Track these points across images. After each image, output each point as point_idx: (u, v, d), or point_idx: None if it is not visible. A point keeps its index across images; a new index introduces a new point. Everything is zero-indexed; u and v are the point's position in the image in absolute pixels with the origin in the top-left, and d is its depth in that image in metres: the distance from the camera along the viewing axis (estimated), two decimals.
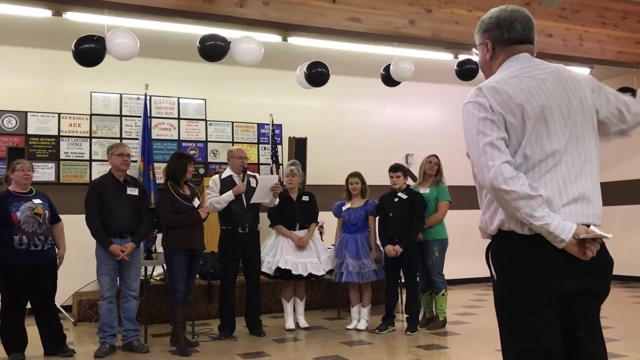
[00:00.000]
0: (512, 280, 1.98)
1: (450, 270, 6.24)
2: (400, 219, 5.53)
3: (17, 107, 7.04)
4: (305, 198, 5.99)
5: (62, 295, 6.09)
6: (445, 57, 6.75)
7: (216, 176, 5.70)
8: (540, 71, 2.05)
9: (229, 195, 5.41)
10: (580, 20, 6.47)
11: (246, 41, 5.39)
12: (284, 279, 5.79)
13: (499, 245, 2.04)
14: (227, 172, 5.66)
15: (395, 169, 5.71)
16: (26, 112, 7.09)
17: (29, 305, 4.81)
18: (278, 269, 5.64)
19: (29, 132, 7.09)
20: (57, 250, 4.89)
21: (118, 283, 5.05)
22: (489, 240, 2.16)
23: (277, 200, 5.64)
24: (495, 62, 2.14)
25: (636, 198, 8.67)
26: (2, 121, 6.99)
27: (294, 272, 5.64)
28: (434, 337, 5.37)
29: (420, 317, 5.78)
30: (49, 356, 4.78)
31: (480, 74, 7.03)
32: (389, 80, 6.37)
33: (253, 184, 5.57)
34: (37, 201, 4.77)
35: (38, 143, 7.11)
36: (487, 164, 1.92)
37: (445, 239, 5.81)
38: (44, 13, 5.22)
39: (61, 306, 6.21)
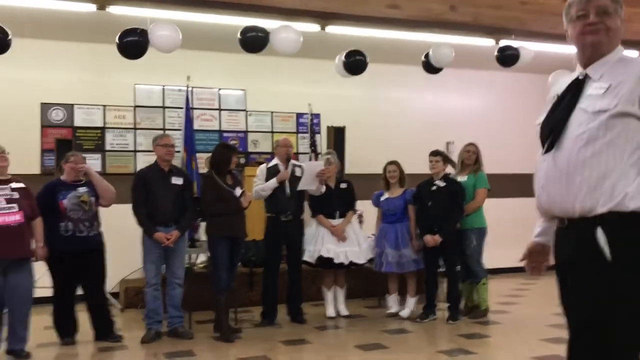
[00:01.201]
0: None
1: (492, 259, 6.17)
2: (439, 208, 5.48)
3: (64, 100, 7.24)
4: (344, 185, 6.01)
5: (110, 282, 6.23)
6: (487, 43, 6.63)
7: (263, 165, 5.79)
8: None
9: (272, 182, 5.48)
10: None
11: (285, 31, 5.41)
12: (326, 267, 5.83)
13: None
14: (274, 161, 5.71)
15: (435, 153, 5.67)
16: (73, 105, 7.29)
17: (80, 292, 4.98)
18: (320, 258, 5.68)
19: (76, 124, 7.29)
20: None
21: (163, 271, 5.18)
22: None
23: (324, 187, 5.67)
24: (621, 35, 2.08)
25: None
26: (51, 114, 7.21)
27: (336, 260, 5.67)
28: (475, 326, 5.34)
29: (462, 306, 5.74)
30: (98, 341, 4.95)
31: (522, 60, 6.82)
32: (429, 67, 6.31)
33: (298, 173, 5.61)
34: (83, 189, 4.92)
35: (85, 134, 7.32)
36: None
37: (483, 228, 5.73)
38: (89, 7, 5.35)
39: (109, 293, 6.39)
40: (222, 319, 5.03)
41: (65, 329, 4.93)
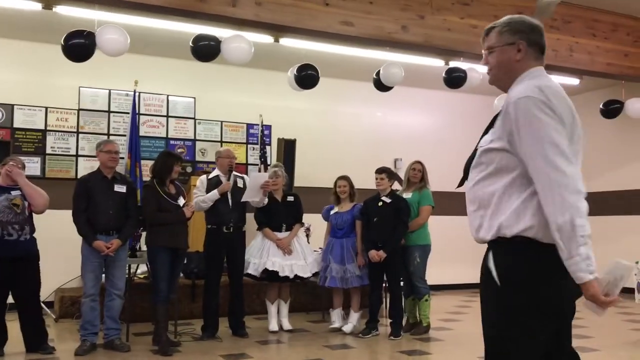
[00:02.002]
0: (527, 288, 1.93)
1: (435, 276, 6.27)
2: (384, 224, 5.53)
3: (4, 100, 6.96)
4: (290, 199, 5.99)
5: (44, 291, 5.99)
6: (436, 64, 6.77)
7: (203, 176, 5.69)
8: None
9: (214, 194, 5.40)
10: (570, 31, 6.52)
11: (236, 40, 5.37)
12: (271, 280, 5.77)
13: (515, 251, 1.97)
14: (215, 172, 5.65)
15: (380, 170, 5.72)
16: (13, 105, 7.01)
17: (11, 300, 4.75)
18: (265, 271, 5.62)
19: (15, 125, 7.01)
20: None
21: (103, 280, 5.01)
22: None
23: (266, 199, 5.64)
24: (522, 65, 2.07)
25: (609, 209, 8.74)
26: None
27: (281, 273, 5.62)
28: (416, 343, 5.38)
29: (404, 322, 5.79)
30: (29, 353, 4.72)
31: (469, 82, 7.03)
32: (380, 84, 6.38)
33: (240, 184, 5.57)
34: (17, 192, 4.71)
35: (24, 137, 7.04)
36: (559, 173, 1.86)
37: (427, 245, 5.80)
38: (34, 6, 5.16)
39: (43, 302, 6.14)
40: (161, 332, 4.90)
41: None
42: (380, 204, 5.62)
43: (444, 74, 6.52)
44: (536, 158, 1.89)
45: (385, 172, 5.69)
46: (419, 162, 5.95)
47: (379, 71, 6.33)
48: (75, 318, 6.00)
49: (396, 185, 6.01)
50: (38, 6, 5.15)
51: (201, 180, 5.60)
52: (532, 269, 1.93)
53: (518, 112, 1.93)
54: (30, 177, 6.55)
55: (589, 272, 1.82)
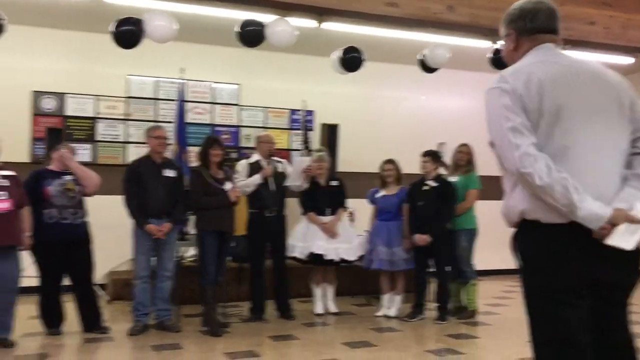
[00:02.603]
0: (538, 270, 1.99)
1: (482, 261, 6.18)
2: (429, 208, 5.48)
3: (56, 89, 7.17)
4: (334, 183, 6.00)
5: (98, 274, 6.18)
6: (483, 45, 6.63)
7: (244, 161, 5.76)
8: (564, 59, 2.08)
9: (256, 178, 5.46)
10: (623, 7, 6.28)
11: (281, 24, 5.38)
12: (317, 264, 5.82)
13: (523, 234, 2.05)
14: (255, 157, 5.69)
15: (425, 154, 5.67)
16: (64, 94, 7.22)
17: (68, 282, 4.93)
18: (311, 254, 5.66)
19: (67, 113, 7.22)
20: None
21: (153, 263, 5.14)
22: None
23: (307, 184, 5.67)
24: (519, 52, 2.18)
25: None
26: (42, 102, 7.13)
27: (327, 257, 5.66)
28: (463, 327, 5.35)
29: (450, 306, 5.75)
30: (85, 332, 4.90)
31: None
32: (425, 66, 6.30)
33: (280, 169, 5.65)
34: (69, 177, 4.86)
35: (76, 124, 7.24)
36: (511, 148, 1.94)
37: (473, 229, 5.74)
38: None
39: (96, 284, 6.34)
40: (210, 313, 5.00)
41: (51, 319, 4.88)
42: (425, 187, 5.57)
43: (490, 54, 6.39)
44: (498, 142, 2.02)
45: (430, 156, 5.64)
46: (466, 145, 5.87)
47: (423, 53, 6.25)
48: (127, 300, 6.18)
49: (442, 170, 5.94)
50: None
51: (242, 165, 5.67)
52: (539, 250, 1.98)
53: (485, 105, 2.09)
54: (82, 164, 6.80)
55: (601, 207, 1.85)
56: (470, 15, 5.79)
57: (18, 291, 4.56)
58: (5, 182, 4.44)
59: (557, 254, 1.93)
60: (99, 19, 6.27)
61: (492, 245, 7.86)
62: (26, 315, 5.44)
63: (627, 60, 7.35)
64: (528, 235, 2.02)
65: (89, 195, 4.96)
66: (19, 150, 6.85)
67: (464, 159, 5.81)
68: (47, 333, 4.84)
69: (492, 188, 7.20)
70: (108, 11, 5.75)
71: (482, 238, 5.86)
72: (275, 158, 5.74)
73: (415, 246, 5.57)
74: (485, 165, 6.43)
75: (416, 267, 5.66)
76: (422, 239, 5.43)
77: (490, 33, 6.22)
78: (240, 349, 4.42)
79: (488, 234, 6.43)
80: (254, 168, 5.57)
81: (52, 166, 4.93)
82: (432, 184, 5.55)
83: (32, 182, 4.79)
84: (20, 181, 4.62)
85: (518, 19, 2.17)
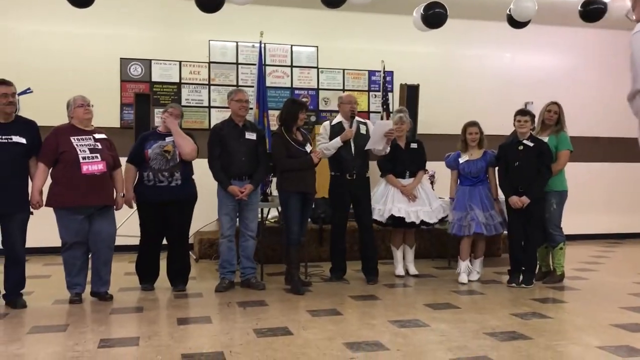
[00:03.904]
0: None
1: (569, 225, 5.94)
2: (526, 169, 5.26)
3: (143, 56, 7.43)
4: (414, 145, 5.90)
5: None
6: None
7: (326, 123, 5.72)
8: None
9: (337, 141, 5.42)
10: None
11: None
12: (397, 226, 5.80)
13: None
14: (338, 118, 5.65)
15: (524, 112, 5.40)
16: (150, 60, 7.47)
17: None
18: (391, 217, 5.64)
19: (153, 79, 7.48)
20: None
21: (237, 223, 5.29)
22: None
23: (389, 148, 5.58)
24: None
25: None
26: (129, 69, 7.42)
27: (407, 219, 5.62)
28: (550, 291, 5.19)
29: (536, 271, 5.59)
30: (174, 288, 5.14)
31: (609, 16, 6.40)
32: (514, 21, 6.01)
33: (362, 130, 5.53)
34: (170, 139, 5.04)
35: (161, 90, 7.50)
36: None
37: (564, 191, 5.50)
38: None
39: None
40: (293, 272, 5.11)
41: (146, 275, 5.15)
42: (521, 147, 5.34)
43: (579, 7, 6.01)
44: None
45: (529, 114, 5.38)
46: (555, 103, 5.58)
47: (510, 7, 5.96)
48: (214, 259, 6.43)
49: None
50: None
51: (324, 127, 5.65)
52: None
53: (632, 51, 1.88)
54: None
55: None
56: None
57: (113, 248, 4.82)
58: (99, 145, 4.66)
59: None
60: None
61: (581, 209, 7.58)
62: (121, 272, 5.79)
63: None
64: None
65: (186, 160, 5.04)
66: (109, 115, 7.20)
67: (554, 118, 5.54)
68: (141, 288, 5.12)
69: (581, 150, 6.93)
70: None
71: (570, 201, 5.61)
72: (359, 119, 5.64)
73: (509, 209, 5.38)
74: (576, 125, 6.15)
75: (512, 231, 5.48)
76: (519, 200, 5.24)
77: None
78: (323, 307, 4.50)
79: (577, 198, 6.16)
80: (336, 130, 5.53)
81: (160, 128, 5.12)
82: (529, 143, 5.32)
83: (138, 144, 5.04)
84: (112, 144, 4.84)
85: None
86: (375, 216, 5.70)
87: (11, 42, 7.03)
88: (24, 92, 6.84)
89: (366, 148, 5.46)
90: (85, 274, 4.75)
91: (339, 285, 5.37)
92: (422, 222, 5.74)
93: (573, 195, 5.69)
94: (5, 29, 7.06)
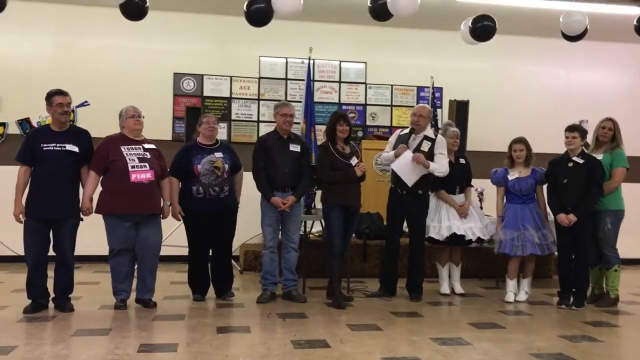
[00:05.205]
0: None
1: (626, 248, 5.68)
2: (576, 186, 5.09)
3: (195, 71, 7.62)
4: (462, 161, 5.81)
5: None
6: (629, 12, 6.05)
7: (398, 131, 5.63)
8: None
9: (390, 155, 5.36)
10: None
11: None
12: (455, 244, 5.69)
13: None
14: (408, 129, 5.48)
15: (572, 128, 5.23)
16: (202, 75, 7.65)
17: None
18: (453, 235, 5.52)
19: (205, 93, 7.66)
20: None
21: (280, 235, 5.31)
22: None
23: (433, 165, 5.38)
24: None
25: None
26: (182, 83, 7.61)
27: (466, 237, 5.54)
28: (602, 315, 4.97)
29: (589, 292, 5.36)
30: (217, 298, 5.19)
31: None
32: (567, 35, 5.86)
33: (425, 147, 5.31)
34: (219, 154, 5.11)
35: (212, 104, 7.66)
36: None
37: (619, 210, 5.27)
38: None
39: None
40: (335, 286, 5.08)
41: (197, 286, 5.18)
42: (571, 164, 5.17)
43: (635, 22, 5.79)
44: None
45: (577, 130, 5.21)
46: (610, 120, 5.38)
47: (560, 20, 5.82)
48: (257, 271, 6.45)
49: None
50: None
51: (394, 135, 5.59)
52: None
53: None
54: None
55: None
56: None
57: (159, 255, 4.91)
58: (147, 155, 4.78)
59: None
60: (234, 2, 6.52)
61: (636, 232, 7.22)
62: (168, 280, 5.89)
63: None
64: None
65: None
66: (162, 128, 7.39)
67: (608, 135, 5.34)
68: (193, 299, 5.15)
69: (637, 169, 6.62)
70: None
71: (627, 223, 5.37)
72: (429, 134, 5.43)
73: (557, 227, 5.21)
74: (630, 144, 5.90)
75: (561, 250, 5.30)
76: (566, 218, 5.06)
77: None
78: (363, 322, 4.44)
79: (635, 219, 5.89)
80: (403, 140, 5.37)
81: (200, 139, 5.20)
82: (579, 160, 5.15)
83: (183, 157, 5.08)
84: (161, 154, 4.95)
85: None
86: (431, 234, 5.58)
87: (70, 56, 7.33)
88: (81, 105, 7.15)
89: (406, 182, 5.27)
90: (130, 281, 4.86)
91: (381, 302, 5.29)
92: (478, 239, 5.65)
93: (630, 217, 5.46)
94: (64, 44, 7.38)
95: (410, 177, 5.27)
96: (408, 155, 5.25)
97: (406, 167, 5.25)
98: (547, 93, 8.29)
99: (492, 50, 6.47)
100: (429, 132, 5.46)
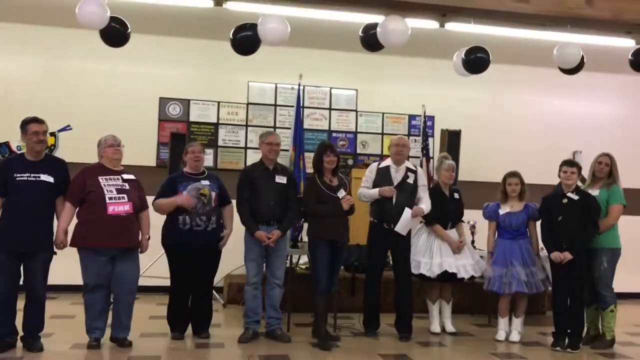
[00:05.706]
0: None
1: (622, 283, 5.51)
2: (570, 223, 4.92)
3: (181, 95, 7.44)
4: (457, 196, 5.65)
5: (215, 277, 6.30)
6: (625, 43, 5.96)
7: (374, 164, 5.44)
8: None
9: (374, 193, 5.17)
10: None
11: (393, 21, 5.09)
12: (446, 281, 5.50)
13: None
14: (387, 162, 5.36)
15: (572, 163, 5.08)
16: (189, 100, 7.48)
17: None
18: (444, 273, 5.34)
19: (191, 119, 7.47)
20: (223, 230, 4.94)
21: (264, 270, 5.09)
22: None
23: (425, 210, 5.23)
24: None
25: None
26: (168, 108, 7.43)
27: (459, 275, 5.37)
28: (598, 358, 4.78)
29: (584, 333, 5.17)
30: (195, 336, 4.93)
31: None
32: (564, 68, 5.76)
33: (410, 179, 5.21)
34: (205, 182, 4.91)
35: (199, 129, 7.47)
36: None
37: (616, 249, 5.11)
38: (206, 3, 5.39)
39: (213, 287, 6.44)
40: (320, 325, 4.85)
41: (178, 323, 4.93)
42: (565, 200, 5.01)
43: (630, 56, 5.70)
44: None
45: (577, 166, 5.06)
46: (607, 155, 5.23)
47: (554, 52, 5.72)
48: (241, 304, 6.21)
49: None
50: (210, 3, 5.37)
51: (371, 169, 5.37)
52: None
53: None
54: (205, 168, 6.97)
55: None
56: (613, 10, 5.22)
57: (136, 292, 4.67)
58: (126, 186, 4.57)
59: None
60: (220, 27, 6.41)
61: (634, 266, 7.06)
62: (146, 315, 5.64)
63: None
64: None
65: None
66: (146, 154, 7.19)
67: (605, 171, 5.19)
68: (171, 337, 4.88)
69: (636, 203, 6.49)
70: (229, 18, 5.84)
71: (624, 257, 5.21)
72: (409, 166, 5.32)
73: (551, 265, 5.04)
74: (629, 176, 5.77)
75: (556, 289, 5.12)
76: (561, 255, 4.89)
77: (634, 29, 5.57)
78: None
79: (631, 254, 5.72)
80: (382, 174, 5.24)
81: (186, 169, 5.01)
82: (574, 197, 4.99)
83: (168, 187, 4.88)
84: (140, 185, 4.74)
85: None
86: (422, 270, 5.40)
87: (53, 79, 7.13)
88: (63, 129, 6.94)
89: (397, 230, 5.12)
90: (105, 318, 4.62)
91: (369, 341, 5.08)
92: (471, 277, 5.48)
93: (627, 251, 5.29)
94: (47, 67, 7.18)
95: (406, 229, 5.16)
96: (407, 214, 5.10)
97: (407, 224, 5.13)
98: (540, 123, 8.18)
99: (485, 79, 6.34)
100: (408, 163, 5.33)
